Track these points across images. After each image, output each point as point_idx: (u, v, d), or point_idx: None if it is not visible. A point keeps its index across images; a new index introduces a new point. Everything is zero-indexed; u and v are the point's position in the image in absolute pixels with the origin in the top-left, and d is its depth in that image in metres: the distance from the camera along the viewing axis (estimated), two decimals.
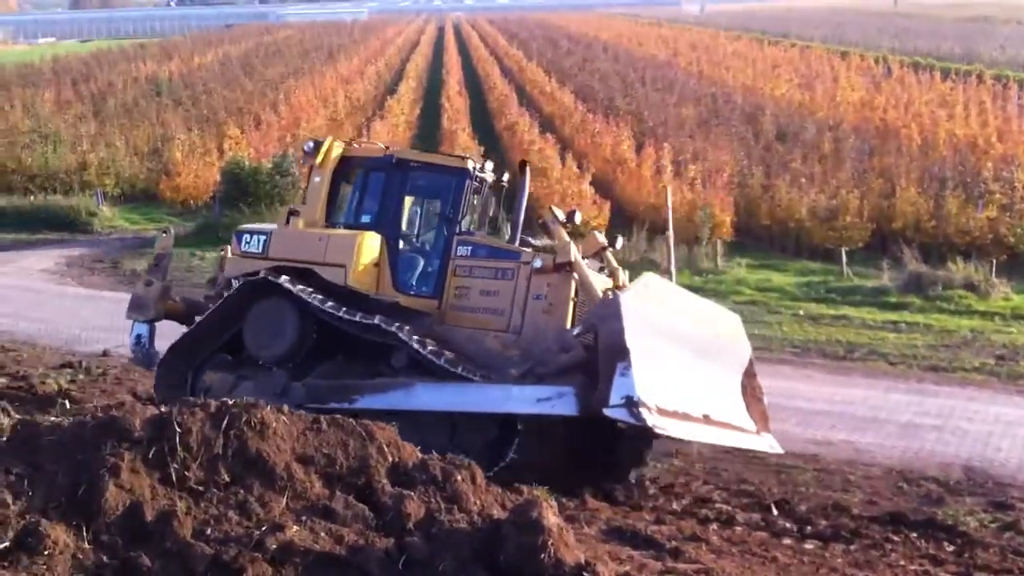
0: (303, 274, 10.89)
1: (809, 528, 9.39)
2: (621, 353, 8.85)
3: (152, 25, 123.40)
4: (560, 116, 38.52)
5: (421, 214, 12.00)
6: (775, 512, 9.92)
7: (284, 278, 10.71)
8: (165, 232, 13.31)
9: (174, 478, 5.59)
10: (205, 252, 23.53)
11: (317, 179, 11.61)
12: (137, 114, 38.58)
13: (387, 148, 12.36)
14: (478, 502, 6.02)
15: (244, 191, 25.23)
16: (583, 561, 5.55)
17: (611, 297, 9.82)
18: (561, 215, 10.82)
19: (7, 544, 5.18)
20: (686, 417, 9.31)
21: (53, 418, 6.11)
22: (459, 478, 6.04)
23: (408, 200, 11.63)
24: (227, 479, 5.68)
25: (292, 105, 38.11)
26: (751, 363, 10.81)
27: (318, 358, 10.96)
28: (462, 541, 5.64)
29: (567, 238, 10.51)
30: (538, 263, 10.36)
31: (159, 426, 5.74)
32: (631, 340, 8.87)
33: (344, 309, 10.46)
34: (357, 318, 10.38)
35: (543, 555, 5.46)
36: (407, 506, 5.73)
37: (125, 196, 29.60)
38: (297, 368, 10.89)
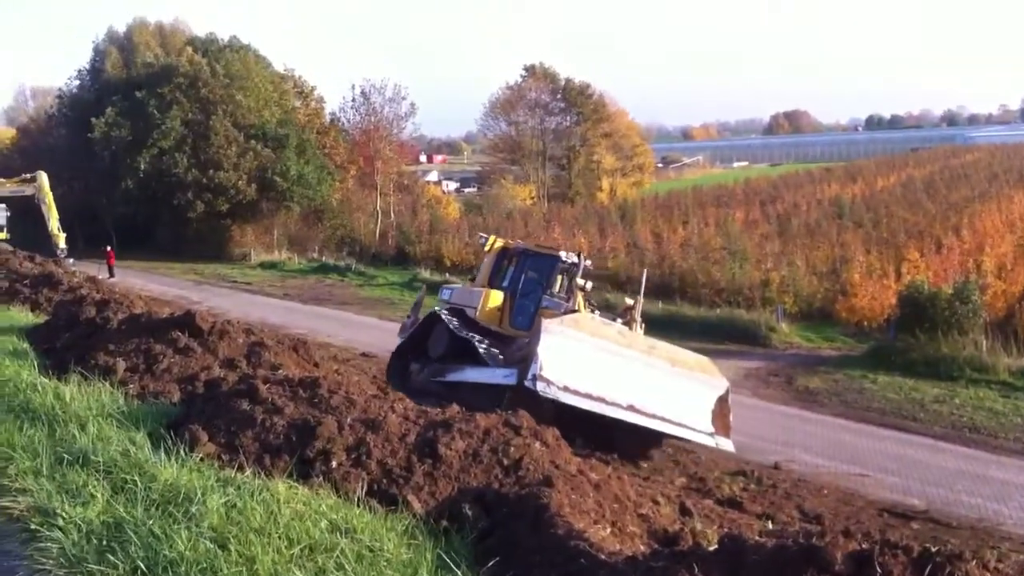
0: (460, 313, 19.21)
1: None
2: (535, 352, 15.30)
3: (838, 149, 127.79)
4: None
5: (532, 282, 19.18)
6: None
7: (444, 313, 19.23)
8: (422, 288, 22.73)
9: None
10: (877, 376, 23.32)
11: (486, 260, 20.44)
12: (818, 234, 40.01)
13: (518, 242, 21.38)
14: None
15: (921, 316, 24.63)
16: None
17: (539, 321, 16.58)
18: (582, 283, 18.11)
19: None
20: (600, 400, 15.52)
21: (758, 537, 6.47)
22: None
23: (526, 273, 19.32)
24: None
25: (975, 229, 36.54)
26: (727, 392, 16.93)
27: (457, 357, 18.42)
28: None
29: (579, 294, 18.06)
30: (562, 310, 17.52)
31: (859, 562, 5.78)
32: (543, 345, 15.25)
33: (466, 331, 18.47)
34: (465, 335, 18.31)
35: None
36: None
37: (802, 314, 30.43)
38: (446, 363, 18.59)
